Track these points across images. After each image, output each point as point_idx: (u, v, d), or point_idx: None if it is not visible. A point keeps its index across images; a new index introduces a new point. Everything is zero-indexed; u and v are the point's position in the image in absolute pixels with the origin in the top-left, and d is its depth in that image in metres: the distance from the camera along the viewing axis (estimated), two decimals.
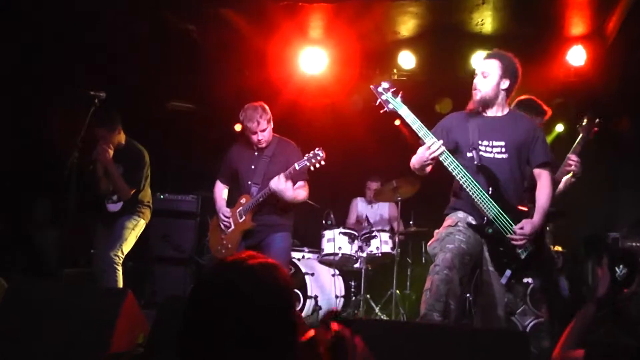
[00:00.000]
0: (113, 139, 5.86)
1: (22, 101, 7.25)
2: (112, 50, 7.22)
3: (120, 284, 5.67)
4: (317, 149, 5.10)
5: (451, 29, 7.51)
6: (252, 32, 7.43)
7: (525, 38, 7.19)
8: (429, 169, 4.35)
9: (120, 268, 5.70)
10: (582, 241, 5.03)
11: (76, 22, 6.80)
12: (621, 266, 3.26)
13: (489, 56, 4.37)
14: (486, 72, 4.28)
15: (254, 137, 5.29)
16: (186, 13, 7.23)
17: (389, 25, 7.60)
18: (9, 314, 3.88)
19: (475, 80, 4.33)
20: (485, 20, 7.22)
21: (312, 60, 8.00)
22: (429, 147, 4.13)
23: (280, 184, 5.06)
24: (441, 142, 4.15)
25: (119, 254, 5.73)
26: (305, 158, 5.09)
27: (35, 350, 3.64)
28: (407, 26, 7.57)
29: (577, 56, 7.52)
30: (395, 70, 8.29)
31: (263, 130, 5.26)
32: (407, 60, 8.07)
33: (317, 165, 5.09)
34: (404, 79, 8.28)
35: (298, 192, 5.32)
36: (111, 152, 5.78)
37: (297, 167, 5.07)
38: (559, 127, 8.73)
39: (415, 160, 4.31)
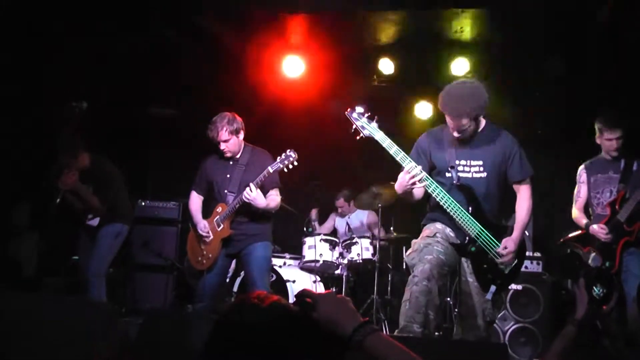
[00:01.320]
0: (77, 164, 5.82)
1: (3, 107, 7.20)
2: (92, 57, 7.19)
3: (104, 295, 5.66)
4: (288, 150, 5.10)
5: (430, 35, 7.56)
6: (231, 39, 7.46)
7: (503, 45, 7.27)
8: (419, 194, 4.34)
9: (104, 279, 5.68)
10: (558, 260, 5.04)
11: (56, 30, 6.78)
12: (598, 285, 3.30)
13: (456, 116, 4.16)
14: (461, 127, 4.18)
15: (219, 146, 5.29)
16: (166, 19, 7.22)
17: (369, 32, 7.65)
18: None
19: (453, 133, 4.24)
20: (464, 28, 7.28)
21: (292, 66, 8.08)
22: (409, 172, 4.11)
23: (251, 193, 5.05)
24: (419, 167, 4.13)
25: (104, 264, 5.71)
26: (278, 160, 5.09)
27: None
28: (386, 33, 7.62)
29: None
30: (375, 77, 8.34)
31: (225, 141, 5.24)
32: (387, 66, 8.12)
33: (290, 167, 5.09)
34: (384, 84, 8.34)
35: (271, 199, 5.32)
36: (76, 176, 5.73)
37: (271, 170, 5.07)
38: None
39: (397, 186, 4.28)
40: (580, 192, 5.58)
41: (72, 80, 7.02)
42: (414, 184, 4.13)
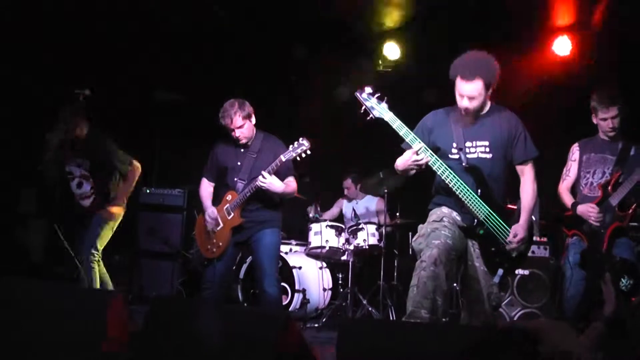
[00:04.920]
0: (74, 126, 5.59)
1: (8, 94, 7.18)
2: (98, 40, 7.16)
3: (97, 281, 5.60)
4: (301, 138, 5.04)
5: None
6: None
7: (512, 27, 7.19)
8: (413, 172, 4.30)
9: (95, 265, 5.61)
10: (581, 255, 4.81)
11: (61, 12, 6.74)
12: (625, 277, 3.23)
13: (470, 77, 4.09)
14: (472, 95, 4.12)
15: (233, 134, 5.25)
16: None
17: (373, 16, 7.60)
18: None
19: (461, 104, 4.18)
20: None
21: None
22: (416, 153, 4.10)
23: (266, 180, 5.03)
24: (429, 152, 4.11)
25: (95, 250, 5.65)
26: (291, 149, 5.05)
27: (23, 352, 3.61)
28: (391, 17, 7.56)
29: (562, 46, 7.54)
30: (380, 62, 8.30)
31: (240, 127, 5.21)
32: (392, 51, 8.07)
33: (303, 155, 5.04)
34: (389, 70, 8.29)
35: (287, 182, 5.30)
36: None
37: (284, 159, 5.03)
38: None
39: (400, 163, 4.26)
40: (570, 170, 5.19)
41: (75, 65, 6.99)
42: (418, 165, 4.13)
